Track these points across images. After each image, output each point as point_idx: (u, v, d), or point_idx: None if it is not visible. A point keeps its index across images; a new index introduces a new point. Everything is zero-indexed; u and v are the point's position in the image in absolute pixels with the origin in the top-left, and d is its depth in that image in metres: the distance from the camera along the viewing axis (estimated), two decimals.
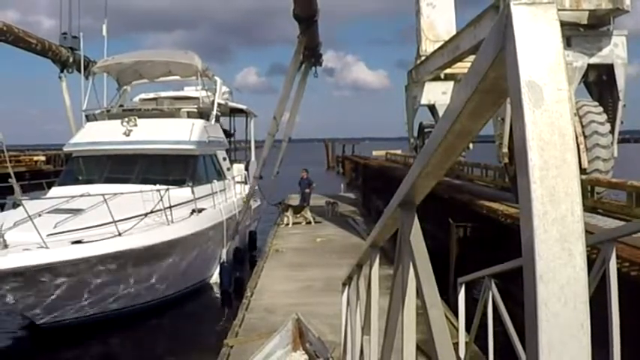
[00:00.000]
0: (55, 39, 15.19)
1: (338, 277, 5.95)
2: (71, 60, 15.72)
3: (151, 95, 16.89)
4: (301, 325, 6.38)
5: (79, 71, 15.64)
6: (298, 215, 16.60)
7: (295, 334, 6.38)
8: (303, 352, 6.28)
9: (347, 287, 4.70)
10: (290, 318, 6.50)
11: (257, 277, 10.46)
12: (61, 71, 15.74)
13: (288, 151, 17.37)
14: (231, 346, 6.80)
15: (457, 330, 5.94)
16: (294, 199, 19.46)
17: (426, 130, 18.32)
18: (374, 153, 43.06)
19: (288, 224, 16.22)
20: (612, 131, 9.12)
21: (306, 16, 11.92)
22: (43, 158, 35.51)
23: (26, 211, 8.26)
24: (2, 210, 11.14)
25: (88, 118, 14.13)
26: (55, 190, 11.95)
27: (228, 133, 18.00)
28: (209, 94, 15.49)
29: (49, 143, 72.58)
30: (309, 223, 16.43)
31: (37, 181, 14.32)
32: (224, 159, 15.23)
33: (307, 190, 18.22)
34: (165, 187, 10.42)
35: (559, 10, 0.78)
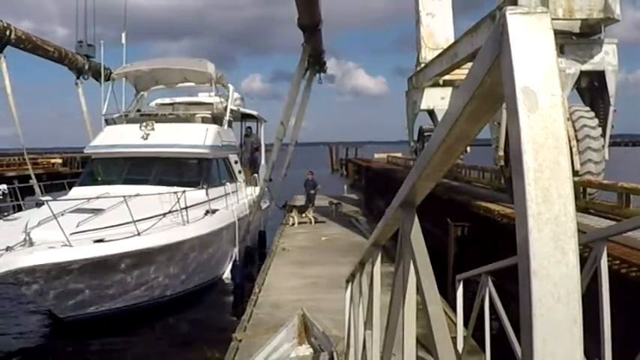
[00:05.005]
0: (68, 47, 15.34)
1: (341, 275, 5.95)
2: (87, 67, 15.83)
3: (167, 100, 16.98)
4: (306, 320, 6.38)
5: (95, 78, 15.74)
6: (303, 215, 16.59)
7: (301, 328, 6.37)
8: (309, 345, 6.28)
9: (350, 284, 4.70)
10: (296, 313, 6.50)
11: (264, 274, 10.44)
12: (77, 78, 15.83)
13: (295, 154, 17.38)
14: (240, 340, 6.80)
15: (455, 325, 5.91)
16: (300, 200, 19.47)
17: (425, 133, 18.27)
18: (376, 156, 42.89)
19: (293, 224, 16.21)
20: (603, 135, 9.06)
21: (311, 25, 11.96)
22: (59, 161, 35.42)
23: (51, 211, 8.31)
24: (21, 210, 11.23)
25: (108, 122, 14.20)
26: (76, 191, 12.01)
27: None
28: (222, 100, 15.55)
29: (65, 146, 72.90)
30: (311, 222, 16.42)
31: (57, 181, 14.43)
32: (235, 162, 15.26)
33: (312, 192, 18.22)
34: (182, 188, 10.46)
35: (553, 19, 0.77)
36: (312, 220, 16.54)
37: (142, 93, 16.60)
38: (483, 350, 5.16)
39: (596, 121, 8.99)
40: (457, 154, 1.14)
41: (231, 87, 16.07)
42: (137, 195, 9.86)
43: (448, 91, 16.78)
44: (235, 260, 12.33)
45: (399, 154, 34.23)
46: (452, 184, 14.58)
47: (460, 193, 12.54)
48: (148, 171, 12.47)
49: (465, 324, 5.54)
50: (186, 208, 10.13)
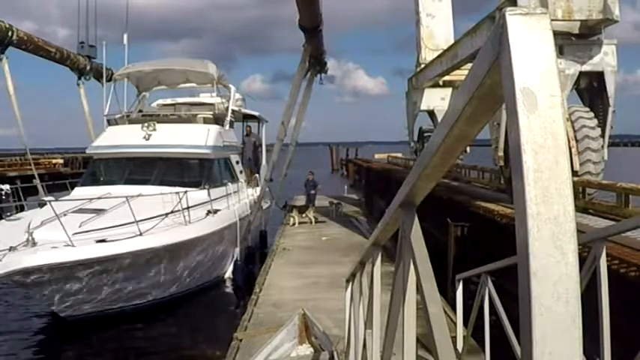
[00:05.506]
0: (70, 48, 15.34)
1: (342, 274, 5.95)
2: (88, 68, 15.83)
3: (169, 101, 16.98)
4: (307, 319, 6.37)
5: (96, 78, 15.73)
6: (304, 215, 16.58)
7: (301, 328, 6.36)
8: (309, 345, 6.27)
9: (350, 284, 4.70)
10: (296, 313, 6.49)
11: (265, 274, 10.44)
12: (79, 78, 15.82)
13: (295, 154, 17.37)
14: (241, 340, 6.80)
15: (455, 324, 5.92)
16: (300, 200, 19.45)
17: (425, 134, 18.26)
18: (376, 156, 42.83)
19: (294, 224, 16.20)
20: (602, 135, 9.05)
21: (311, 26, 11.95)
22: (61, 161, 35.39)
23: (54, 212, 8.32)
24: (23, 210, 11.23)
25: (109, 123, 14.19)
26: (78, 191, 12.01)
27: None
28: (223, 100, 15.54)
29: (67, 146, 73.02)
30: (311, 222, 16.42)
31: (60, 181, 14.43)
32: (237, 162, 15.26)
33: (313, 192, 18.21)
34: (183, 189, 10.46)
35: (552, 20, 0.77)
36: (313, 220, 16.53)
37: (143, 93, 16.59)
38: (483, 350, 5.16)
39: (595, 122, 8.99)
40: (457, 155, 1.14)
41: (232, 87, 16.06)
42: (139, 195, 9.86)
43: (448, 91, 16.77)
44: (237, 260, 12.33)
45: (399, 155, 34.23)
46: (452, 184, 14.57)
47: (460, 193, 12.53)
48: (150, 171, 12.46)
49: (465, 323, 5.54)
50: (188, 208, 10.13)
